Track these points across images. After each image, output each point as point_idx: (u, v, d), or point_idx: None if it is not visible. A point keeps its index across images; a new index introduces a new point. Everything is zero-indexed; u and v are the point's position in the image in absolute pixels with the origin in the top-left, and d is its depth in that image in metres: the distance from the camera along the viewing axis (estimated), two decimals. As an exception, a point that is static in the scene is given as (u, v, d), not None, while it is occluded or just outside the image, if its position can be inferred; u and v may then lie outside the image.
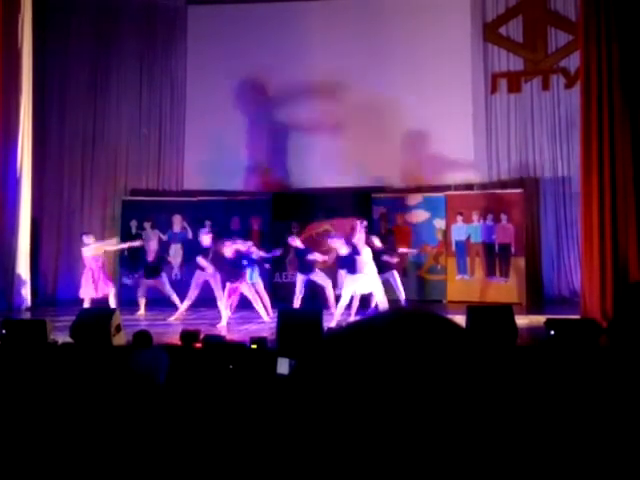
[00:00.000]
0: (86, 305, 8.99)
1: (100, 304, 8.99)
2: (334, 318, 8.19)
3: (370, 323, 0.55)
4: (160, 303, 9.61)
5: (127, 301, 9.81)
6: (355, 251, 8.38)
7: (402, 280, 9.56)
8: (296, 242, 9.30)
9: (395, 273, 9.22)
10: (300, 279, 9.11)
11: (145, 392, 4.50)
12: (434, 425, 0.46)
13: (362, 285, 8.38)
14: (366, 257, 8.37)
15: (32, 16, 10.49)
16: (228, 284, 8.76)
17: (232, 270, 8.73)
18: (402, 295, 9.14)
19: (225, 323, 8.52)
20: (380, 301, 8.39)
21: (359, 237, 8.48)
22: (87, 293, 9.17)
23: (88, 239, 9.38)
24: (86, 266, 9.27)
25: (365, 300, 8.75)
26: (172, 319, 8.88)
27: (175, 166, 12.24)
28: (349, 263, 8.37)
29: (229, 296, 8.78)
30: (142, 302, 9.53)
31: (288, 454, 0.48)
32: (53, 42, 11.85)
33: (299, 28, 11.61)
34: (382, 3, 11.77)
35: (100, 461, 2.90)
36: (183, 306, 9.06)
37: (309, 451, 0.47)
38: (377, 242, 8.93)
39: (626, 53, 8.06)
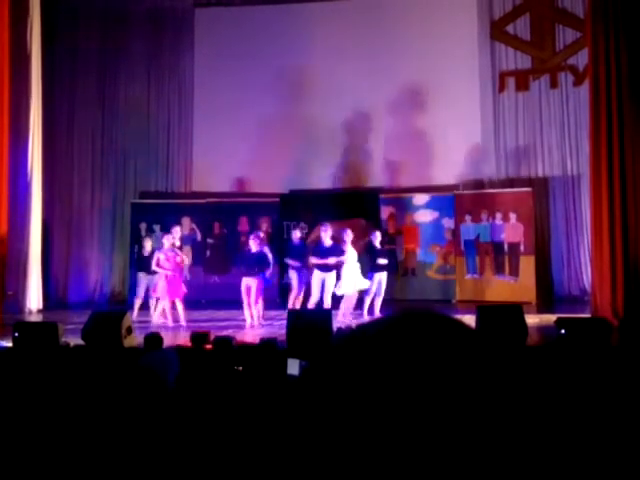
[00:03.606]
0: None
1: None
2: (339, 314, 8.28)
3: (380, 325, 0.55)
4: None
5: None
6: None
7: (411, 280, 9.56)
8: (328, 235, 8.83)
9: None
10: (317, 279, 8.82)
11: (155, 393, 4.52)
12: (444, 427, 0.46)
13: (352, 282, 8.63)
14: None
15: (40, 20, 10.56)
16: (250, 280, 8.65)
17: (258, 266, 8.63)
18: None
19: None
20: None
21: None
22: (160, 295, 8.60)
23: (168, 238, 8.72)
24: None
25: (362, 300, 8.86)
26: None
27: (184, 168, 12.29)
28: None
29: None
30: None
31: (298, 456, 0.48)
32: (61, 46, 11.93)
33: (305, 29, 11.62)
34: (389, 3, 11.76)
35: (111, 462, 2.92)
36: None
37: (319, 454, 0.47)
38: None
39: (634, 49, 8.00)
